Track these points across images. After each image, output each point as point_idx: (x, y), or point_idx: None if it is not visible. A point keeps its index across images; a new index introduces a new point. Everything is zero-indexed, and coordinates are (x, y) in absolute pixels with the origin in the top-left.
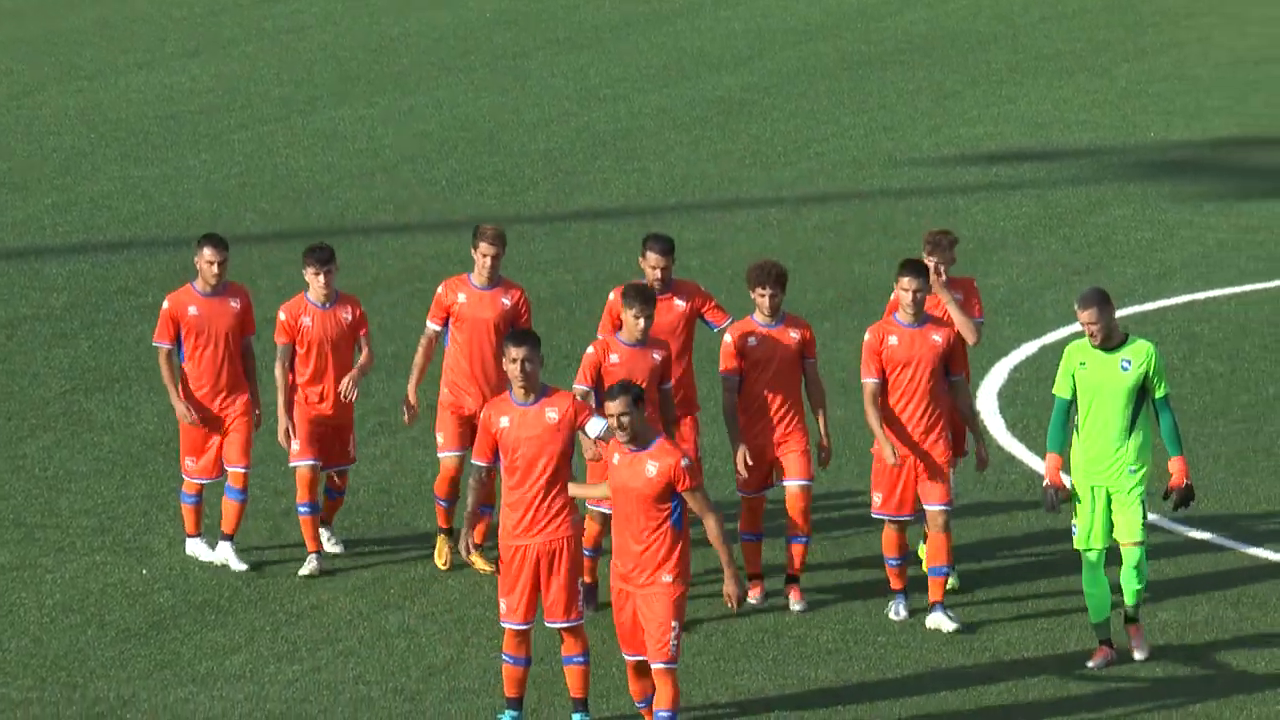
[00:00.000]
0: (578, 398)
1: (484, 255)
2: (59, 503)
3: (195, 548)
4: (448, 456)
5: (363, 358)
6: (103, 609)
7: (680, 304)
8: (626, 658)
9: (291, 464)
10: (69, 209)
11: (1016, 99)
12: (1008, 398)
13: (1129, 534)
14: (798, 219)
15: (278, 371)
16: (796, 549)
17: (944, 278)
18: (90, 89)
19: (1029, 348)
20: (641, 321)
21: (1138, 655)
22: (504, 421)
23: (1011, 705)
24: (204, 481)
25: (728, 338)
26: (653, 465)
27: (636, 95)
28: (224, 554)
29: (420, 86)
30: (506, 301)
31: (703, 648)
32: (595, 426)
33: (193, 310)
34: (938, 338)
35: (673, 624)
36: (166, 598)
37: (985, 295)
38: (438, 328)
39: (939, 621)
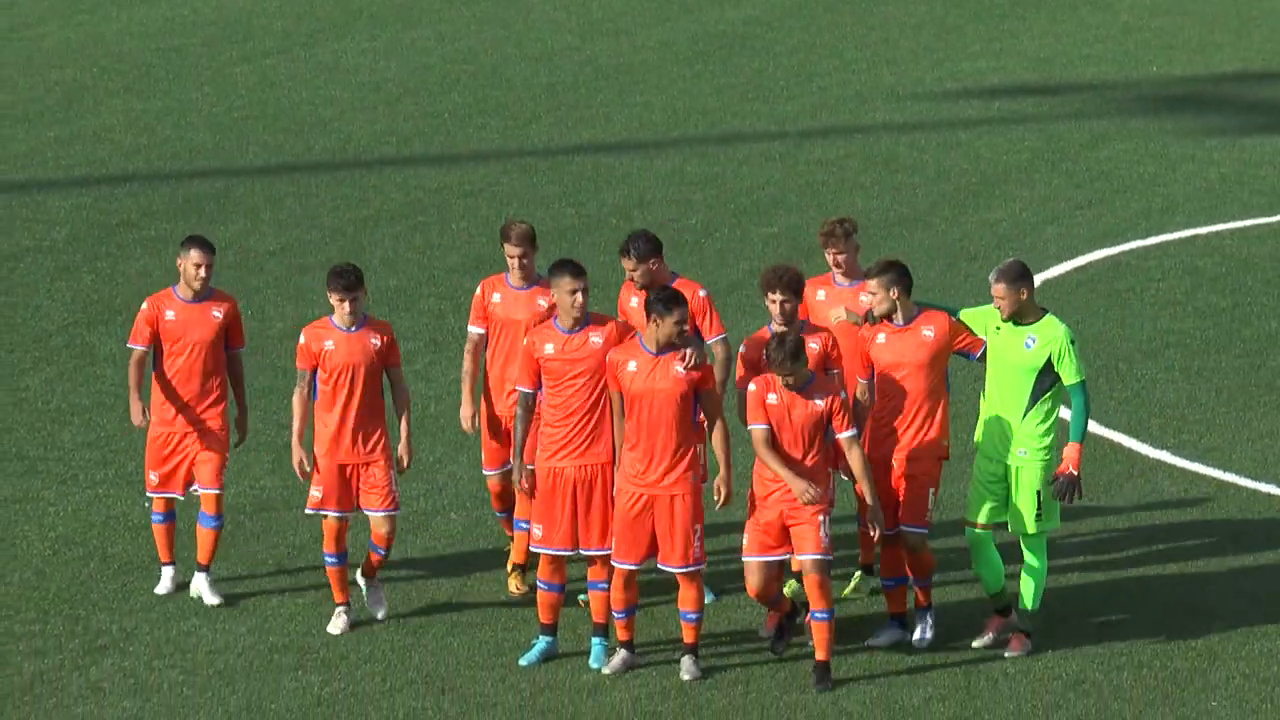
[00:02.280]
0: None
1: (511, 256)
2: (61, 436)
3: (167, 581)
4: (491, 476)
5: (398, 400)
6: (105, 542)
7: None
8: (620, 566)
9: (309, 511)
10: (71, 142)
11: (1019, 33)
12: None
13: (1018, 523)
14: (800, 153)
15: (295, 400)
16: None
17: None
18: (91, 22)
19: None
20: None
21: (976, 642)
22: (549, 349)
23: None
24: (169, 497)
25: (741, 348)
26: (680, 365)
27: (639, 29)
28: (198, 586)
29: (423, 19)
30: (543, 303)
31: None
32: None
33: (170, 315)
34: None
35: (696, 527)
36: None
37: (988, 230)
38: (481, 330)
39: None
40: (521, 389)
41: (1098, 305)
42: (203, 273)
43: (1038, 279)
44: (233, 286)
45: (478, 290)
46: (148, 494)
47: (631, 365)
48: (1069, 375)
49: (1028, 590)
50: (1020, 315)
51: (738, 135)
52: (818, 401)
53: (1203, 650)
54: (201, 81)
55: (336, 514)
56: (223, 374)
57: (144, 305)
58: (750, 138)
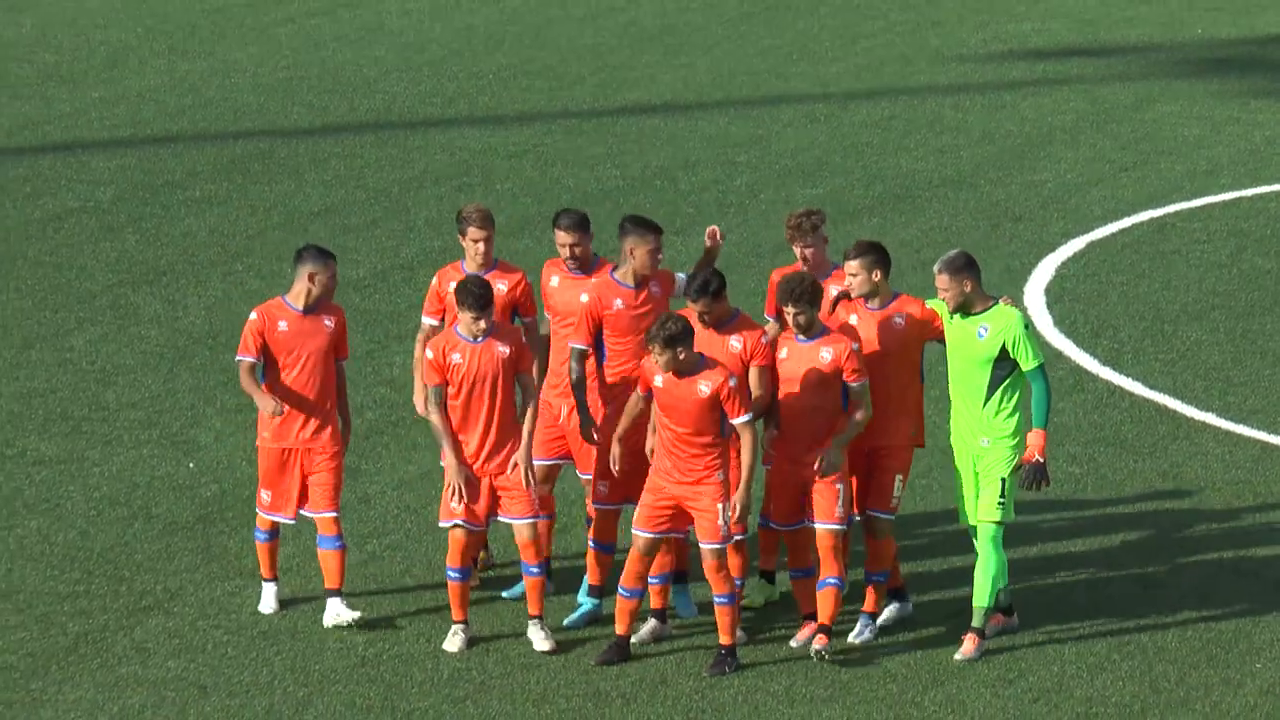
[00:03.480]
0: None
1: (474, 240)
2: (106, 396)
3: (270, 598)
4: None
5: (529, 411)
6: (149, 502)
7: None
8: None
9: (442, 524)
10: (116, 103)
11: None
12: (1055, 294)
13: (981, 510)
14: (845, 114)
15: (436, 418)
16: (828, 592)
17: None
18: None
19: (1076, 243)
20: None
21: (957, 656)
22: (618, 303)
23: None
24: (279, 520)
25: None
26: (705, 385)
27: None
28: (334, 611)
29: None
30: (502, 287)
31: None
32: None
33: (283, 326)
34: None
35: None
36: (213, 491)
37: (1033, 192)
38: (434, 322)
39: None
40: (578, 345)
41: (1142, 267)
42: (327, 282)
43: (1083, 239)
44: (277, 247)
45: (434, 280)
46: (258, 510)
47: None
48: (1026, 361)
49: (981, 586)
50: (967, 306)
51: (783, 97)
52: (703, 387)
53: (1246, 612)
54: (246, 42)
55: (471, 527)
56: (333, 387)
57: (252, 315)
58: (795, 99)
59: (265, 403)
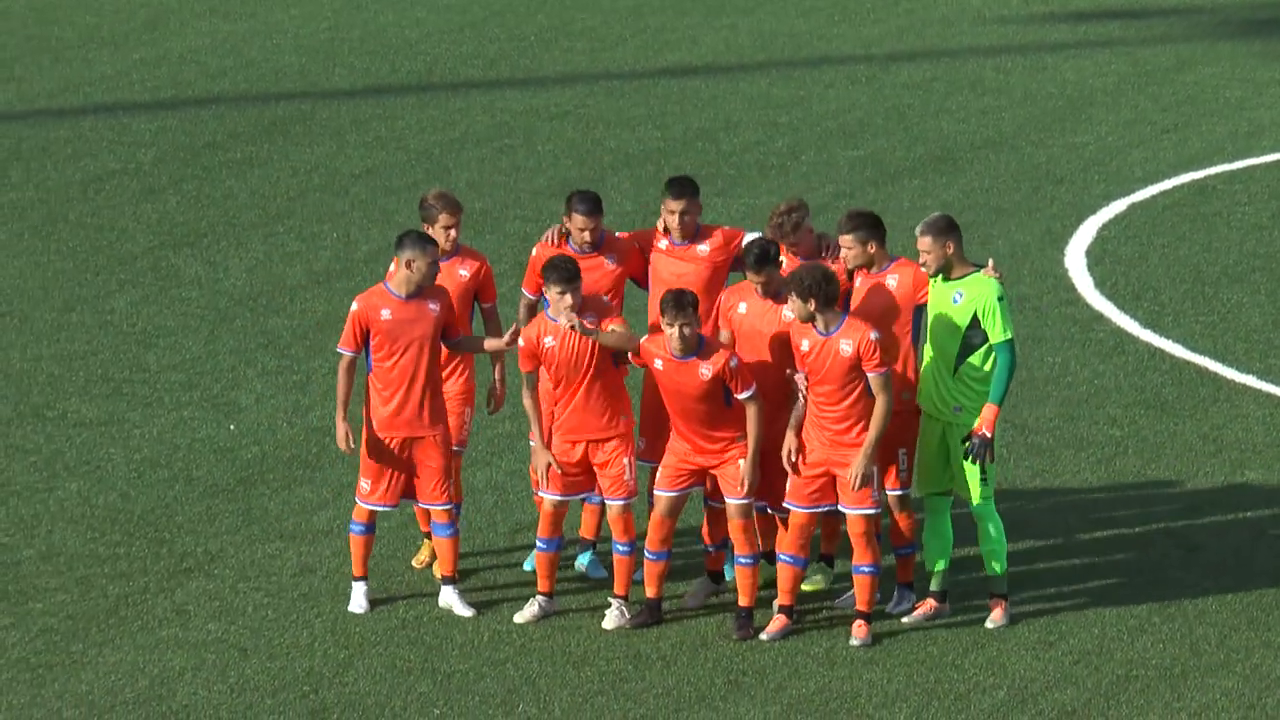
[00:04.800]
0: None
1: (445, 228)
2: (146, 358)
3: (360, 597)
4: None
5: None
6: (190, 464)
7: (610, 264)
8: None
9: (539, 493)
10: (157, 64)
11: None
12: (1095, 255)
13: (963, 489)
14: (886, 76)
15: (527, 402)
16: (863, 580)
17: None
18: None
19: (1117, 205)
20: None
21: (988, 624)
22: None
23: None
24: (379, 508)
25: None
26: (706, 369)
27: None
28: (447, 599)
29: None
30: (464, 273)
31: None
32: None
33: (386, 315)
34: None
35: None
36: (254, 453)
37: (1074, 154)
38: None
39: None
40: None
41: (1184, 229)
42: (432, 264)
43: (1125, 201)
44: (318, 209)
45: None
46: (356, 500)
47: (742, 307)
48: (994, 333)
49: (989, 557)
50: (948, 270)
51: (824, 58)
52: (704, 371)
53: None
54: (288, 4)
55: (556, 499)
56: (439, 382)
57: (354, 305)
58: (837, 60)
59: (340, 433)
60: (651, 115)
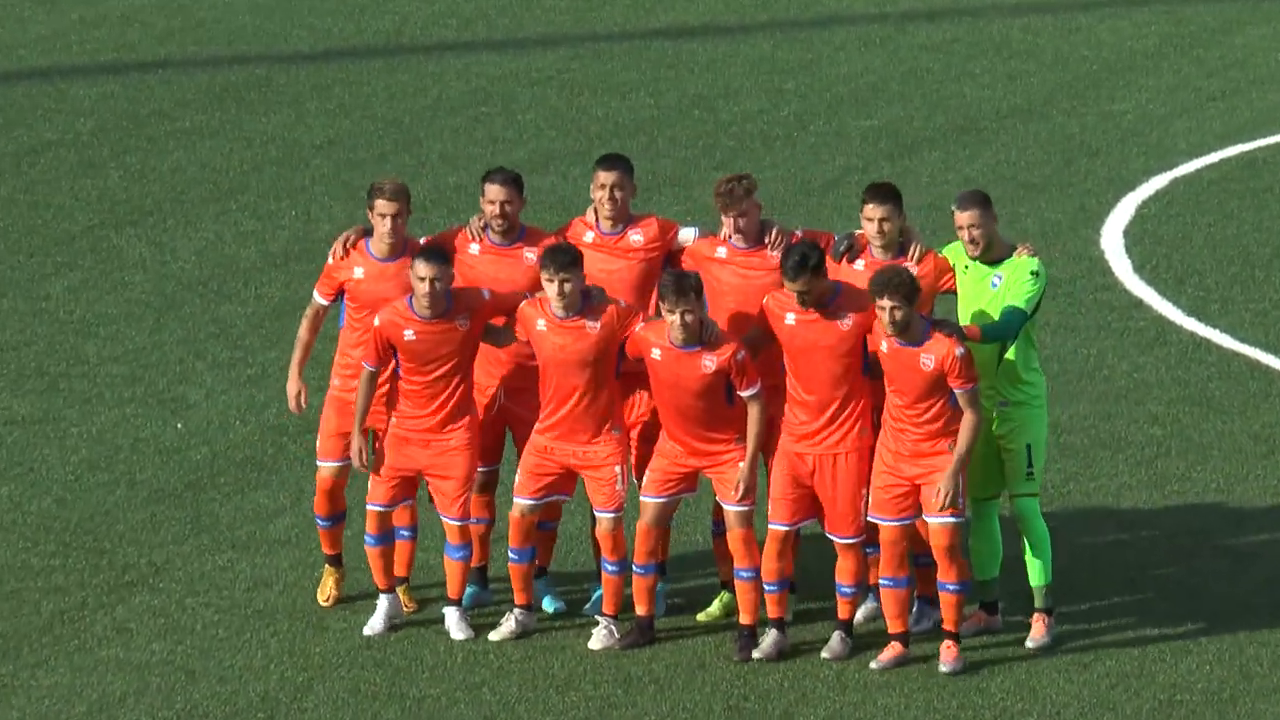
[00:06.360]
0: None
1: (381, 215)
2: (85, 349)
3: (380, 616)
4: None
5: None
6: (133, 467)
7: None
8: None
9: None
10: (98, 24)
11: None
12: (1134, 235)
13: (1009, 484)
14: (903, 37)
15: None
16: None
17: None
18: None
19: (1158, 180)
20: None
21: (1029, 643)
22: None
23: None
24: (383, 509)
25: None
26: (710, 360)
27: None
28: (450, 621)
29: None
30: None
31: None
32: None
33: (409, 335)
34: None
35: (863, 491)
36: (204, 454)
37: (1110, 124)
38: (325, 302)
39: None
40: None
41: (1231, 206)
42: (437, 285)
43: (1166, 176)
44: (275, 184)
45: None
46: (368, 504)
47: (790, 318)
48: (1015, 297)
49: (1035, 564)
50: (989, 250)
51: (834, 18)
52: (707, 363)
53: None
54: None
55: (531, 501)
56: (470, 384)
57: (376, 322)
58: (848, 20)
59: (353, 451)
60: (643, 81)
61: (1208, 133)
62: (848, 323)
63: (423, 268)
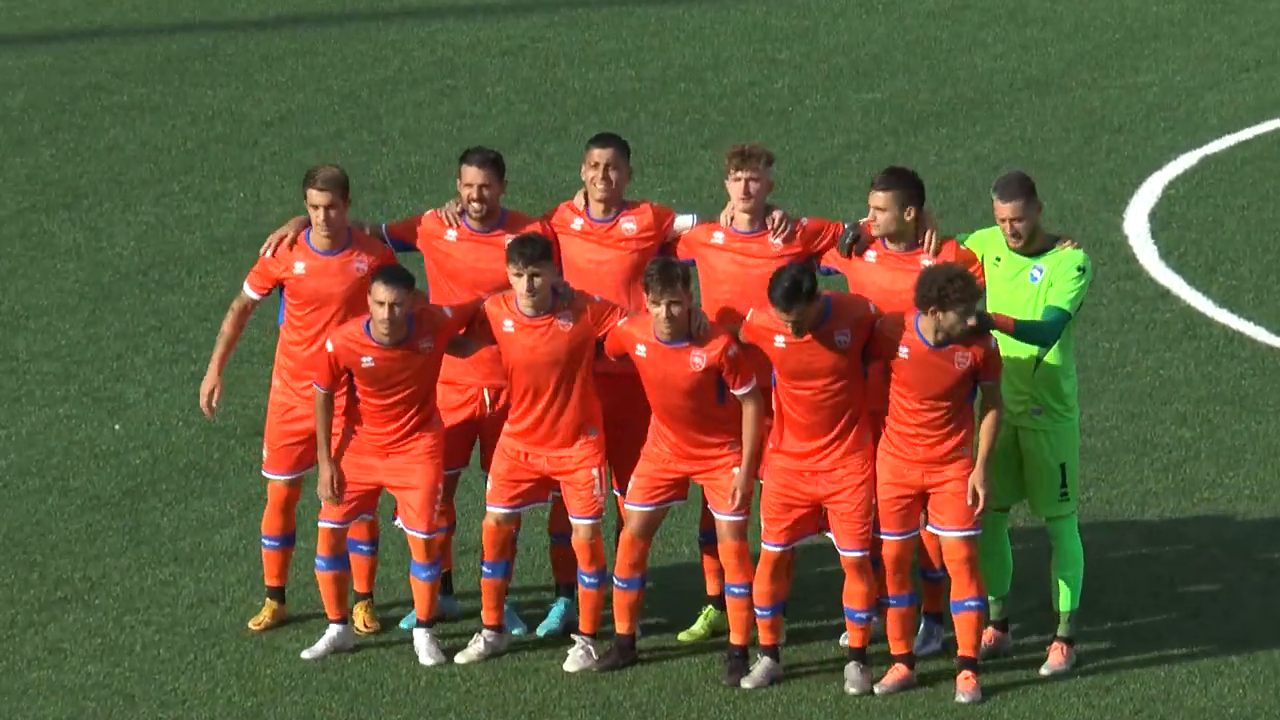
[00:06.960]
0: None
1: (314, 206)
2: (14, 343)
3: (325, 642)
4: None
5: None
6: (66, 472)
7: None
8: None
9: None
10: None
11: None
12: (1161, 219)
13: (1040, 504)
14: (908, 3)
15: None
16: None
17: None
18: None
19: (1187, 159)
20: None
21: (1044, 670)
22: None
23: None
24: (337, 527)
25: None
26: (699, 357)
27: None
28: (420, 644)
29: None
30: (361, 267)
31: None
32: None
33: (368, 362)
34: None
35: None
36: (143, 459)
37: (1135, 97)
38: (257, 296)
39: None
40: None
41: (1266, 186)
42: (393, 312)
43: (1196, 154)
44: (222, 164)
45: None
46: (320, 521)
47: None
48: (1058, 295)
49: (1062, 587)
50: (1030, 243)
51: None
52: (696, 360)
53: None
54: None
55: (506, 510)
56: (433, 397)
57: (329, 346)
58: None
59: (323, 480)
60: (624, 50)
61: (1241, 106)
62: (845, 339)
63: (382, 291)
